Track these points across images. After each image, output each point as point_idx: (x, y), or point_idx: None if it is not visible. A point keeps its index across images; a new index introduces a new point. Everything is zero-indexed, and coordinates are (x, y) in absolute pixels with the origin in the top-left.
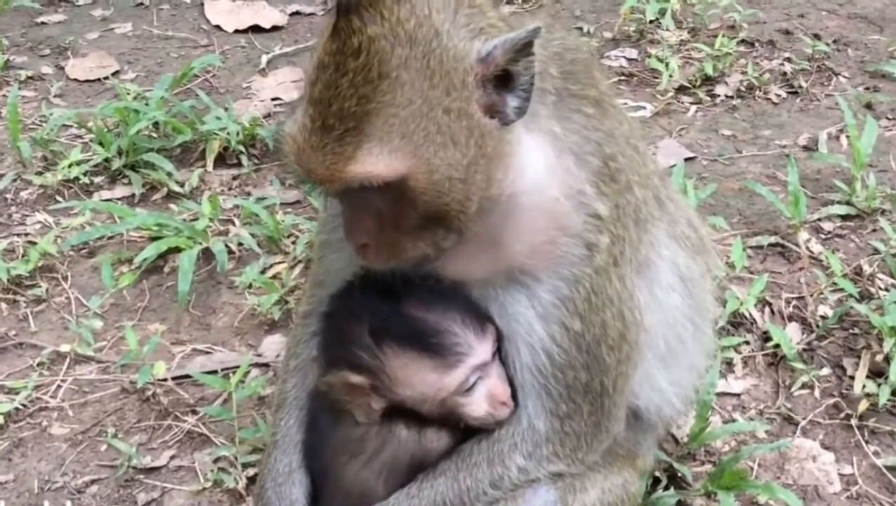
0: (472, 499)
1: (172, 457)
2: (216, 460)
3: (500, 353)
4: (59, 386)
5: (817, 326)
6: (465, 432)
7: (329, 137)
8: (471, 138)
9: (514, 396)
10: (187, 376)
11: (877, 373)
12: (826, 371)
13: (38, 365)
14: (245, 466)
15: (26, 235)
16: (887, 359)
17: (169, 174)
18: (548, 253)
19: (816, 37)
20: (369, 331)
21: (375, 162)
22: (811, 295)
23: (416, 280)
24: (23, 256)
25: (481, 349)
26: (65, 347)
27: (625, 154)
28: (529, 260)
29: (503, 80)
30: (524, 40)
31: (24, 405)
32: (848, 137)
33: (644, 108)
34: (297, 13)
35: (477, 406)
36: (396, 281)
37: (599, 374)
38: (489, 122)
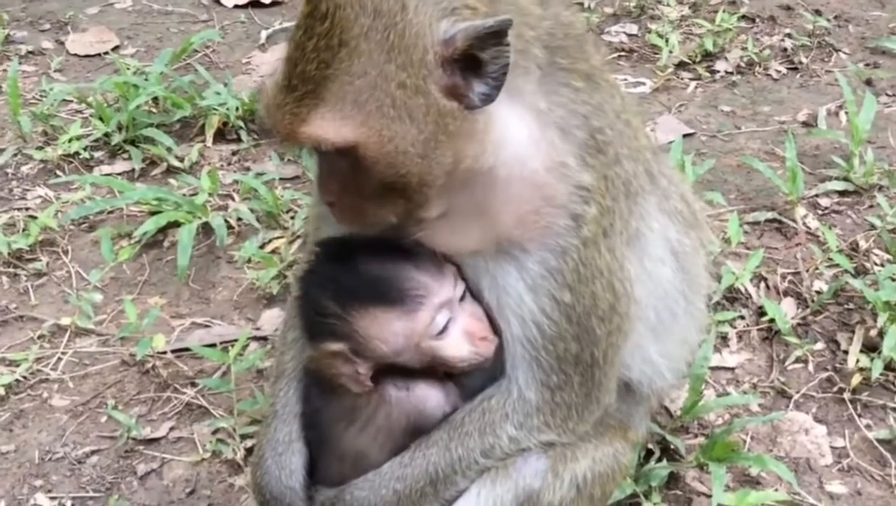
0: (463, 468)
1: (172, 428)
2: (215, 432)
3: (471, 294)
4: (59, 358)
5: (812, 301)
6: (457, 389)
7: (290, 98)
8: (428, 115)
9: (504, 367)
10: (186, 349)
11: (870, 347)
12: (820, 345)
13: (39, 338)
14: (243, 437)
15: (27, 209)
16: (881, 333)
17: (168, 149)
18: (534, 223)
19: (817, 13)
20: (332, 297)
21: (326, 127)
22: (807, 270)
23: (371, 239)
24: (23, 230)
25: (441, 288)
26: (65, 320)
27: (614, 127)
28: (517, 231)
29: (472, 64)
30: (490, 29)
31: (24, 377)
32: (847, 113)
33: (643, 83)
34: None
35: (456, 346)
36: (352, 243)
37: (590, 345)
38: (449, 104)
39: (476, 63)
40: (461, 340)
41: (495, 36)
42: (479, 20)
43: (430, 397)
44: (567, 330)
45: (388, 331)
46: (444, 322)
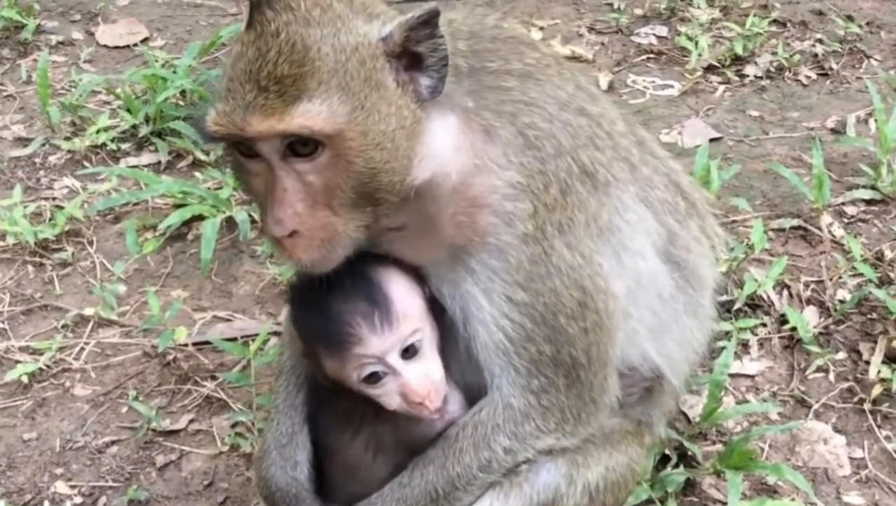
0: (464, 484)
1: (191, 421)
2: (234, 425)
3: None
4: (82, 348)
5: (835, 310)
6: (458, 400)
7: (266, 97)
8: (391, 108)
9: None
10: (207, 343)
11: (892, 358)
12: (842, 355)
13: (63, 327)
14: (262, 431)
15: (54, 199)
16: None
17: (195, 142)
18: (470, 227)
19: (849, 18)
20: (297, 319)
21: (314, 116)
22: (830, 279)
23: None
24: (50, 219)
25: (376, 343)
26: (89, 311)
27: (554, 120)
28: (458, 236)
29: (412, 60)
30: (419, 20)
31: (47, 366)
32: (876, 121)
33: (672, 86)
34: None
35: (390, 399)
36: (320, 282)
37: (566, 345)
38: (403, 98)
39: (416, 58)
40: (394, 397)
41: (426, 26)
42: (404, 16)
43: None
44: (534, 331)
45: (328, 365)
46: (370, 373)
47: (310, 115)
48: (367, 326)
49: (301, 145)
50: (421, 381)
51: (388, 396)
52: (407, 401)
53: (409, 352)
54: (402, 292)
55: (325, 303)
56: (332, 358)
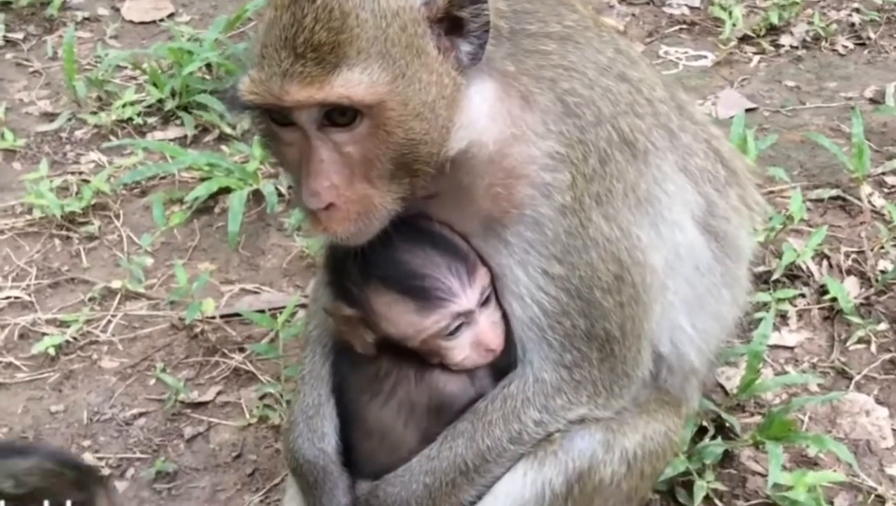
0: (494, 457)
1: (219, 393)
2: (262, 397)
3: (497, 297)
4: (109, 321)
5: (876, 280)
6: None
7: (304, 64)
8: (432, 76)
9: (511, 349)
10: (235, 315)
11: None
12: (883, 326)
13: (90, 300)
14: (290, 403)
15: (80, 173)
16: None
17: (221, 116)
18: (507, 199)
19: None
20: (357, 266)
21: (354, 85)
22: (871, 249)
23: (411, 220)
24: (77, 193)
25: (465, 297)
26: (116, 284)
27: (594, 86)
28: (494, 208)
29: (454, 25)
30: None
31: (75, 338)
32: None
33: (705, 57)
34: None
35: (459, 351)
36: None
37: (600, 319)
38: (445, 65)
39: (458, 23)
40: (468, 348)
41: None
42: None
43: (451, 378)
44: (569, 305)
45: (400, 319)
46: (455, 327)
47: (350, 85)
48: (458, 281)
49: (339, 115)
50: (495, 328)
51: (459, 347)
52: (480, 350)
53: (486, 300)
54: (467, 244)
55: (406, 261)
56: (416, 315)
